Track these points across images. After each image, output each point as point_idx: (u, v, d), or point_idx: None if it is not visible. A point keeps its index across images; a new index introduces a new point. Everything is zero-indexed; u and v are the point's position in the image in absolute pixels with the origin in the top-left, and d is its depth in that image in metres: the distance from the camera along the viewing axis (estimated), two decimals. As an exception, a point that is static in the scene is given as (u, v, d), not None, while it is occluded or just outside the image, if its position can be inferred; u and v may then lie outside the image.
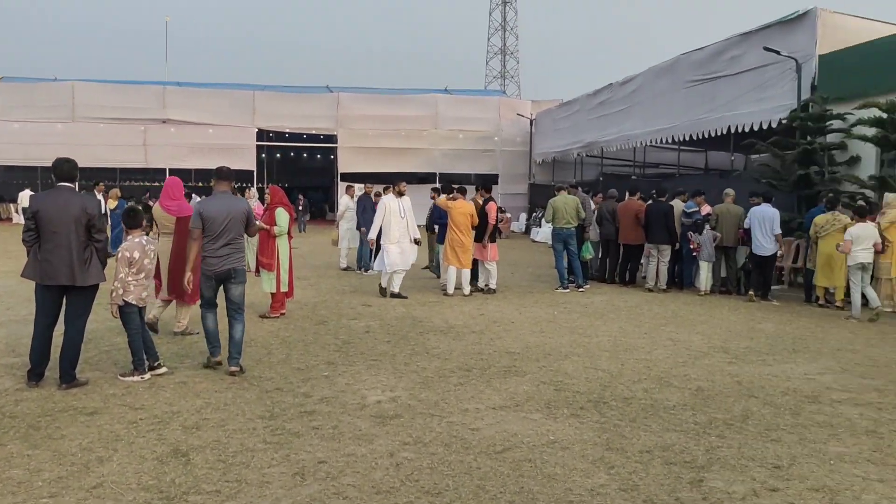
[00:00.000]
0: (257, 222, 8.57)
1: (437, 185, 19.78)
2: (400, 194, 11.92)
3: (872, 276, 11.52)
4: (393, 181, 12.27)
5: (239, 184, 20.90)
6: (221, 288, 6.88)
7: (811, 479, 4.44)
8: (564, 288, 12.95)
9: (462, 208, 11.97)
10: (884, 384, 6.83)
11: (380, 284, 12.00)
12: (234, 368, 6.69)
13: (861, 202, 11.87)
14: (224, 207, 6.79)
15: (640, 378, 6.89)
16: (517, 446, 4.96)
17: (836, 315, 10.89)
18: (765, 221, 12.01)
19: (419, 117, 34.33)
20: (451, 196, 12.30)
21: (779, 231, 12.02)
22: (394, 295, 11.61)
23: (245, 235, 7.04)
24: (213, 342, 6.94)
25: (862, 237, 10.54)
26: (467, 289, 12.13)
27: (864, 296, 10.73)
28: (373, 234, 11.91)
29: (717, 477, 4.46)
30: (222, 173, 7.02)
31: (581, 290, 12.97)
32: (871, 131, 13.47)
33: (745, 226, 12.36)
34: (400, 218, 11.77)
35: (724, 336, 9.11)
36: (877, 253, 10.92)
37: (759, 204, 12.45)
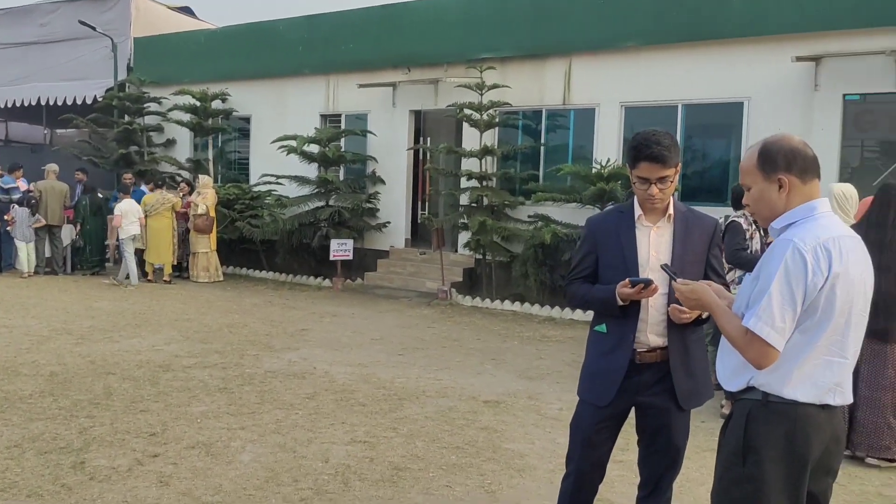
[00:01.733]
0: None
1: None
2: None
3: (191, 251, 12.62)
4: None
5: None
6: None
7: (186, 439, 4.81)
8: None
9: None
10: (222, 346, 7.67)
11: None
12: None
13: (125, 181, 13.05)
14: None
15: (-19, 371, 6.21)
16: None
17: (165, 289, 11.53)
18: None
19: None
20: None
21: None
22: None
23: None
24: None
25: (129, 212, 11.61)
26: None
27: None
28: None
29: (98, 455, 4.45)
30: None
31: None
32: (186, 117, 14.52)
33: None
34: None
35: (63, 318, 8.80)
36: (199, 231, 12.09)
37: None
